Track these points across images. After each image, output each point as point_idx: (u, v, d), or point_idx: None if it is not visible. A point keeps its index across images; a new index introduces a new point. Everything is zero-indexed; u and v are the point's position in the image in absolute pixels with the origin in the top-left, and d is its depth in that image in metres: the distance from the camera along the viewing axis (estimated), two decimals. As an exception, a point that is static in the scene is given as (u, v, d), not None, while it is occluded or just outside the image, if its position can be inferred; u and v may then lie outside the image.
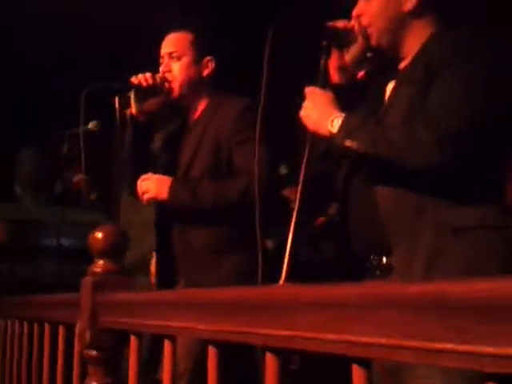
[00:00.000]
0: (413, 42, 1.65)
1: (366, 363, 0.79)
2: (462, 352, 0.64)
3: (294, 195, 3.62)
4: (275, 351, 0.93)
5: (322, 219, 3.70)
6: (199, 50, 2.37)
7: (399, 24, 1.66)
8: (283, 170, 3.27)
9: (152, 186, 2.28)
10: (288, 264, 1.49)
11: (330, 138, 1.57)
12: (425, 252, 1.49)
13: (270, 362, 0.94)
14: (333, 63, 1.76)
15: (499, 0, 3.93)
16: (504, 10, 3.88)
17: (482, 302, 0.62)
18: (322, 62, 1.74)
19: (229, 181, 2.26)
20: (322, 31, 1.74)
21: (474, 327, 0.62)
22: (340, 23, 1.74)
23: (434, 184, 1.51)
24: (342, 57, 1.76)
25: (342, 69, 1.76)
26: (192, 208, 2.25)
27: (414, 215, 1.53)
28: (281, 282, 1.48)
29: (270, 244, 2.91)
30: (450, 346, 0.65)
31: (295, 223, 1.55)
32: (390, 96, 1.67)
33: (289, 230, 1.61)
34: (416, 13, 1.65)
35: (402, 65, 1.69)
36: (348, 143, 1.52)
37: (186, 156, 2.35)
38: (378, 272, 1.60)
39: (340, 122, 1.56)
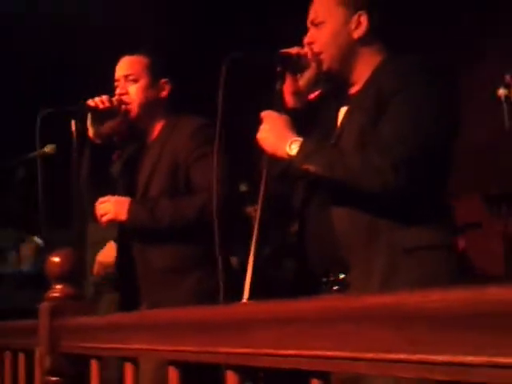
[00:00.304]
0: (363, 69, 1.72)
1: (325, 377, 0.80)
2: (415, 361, 0.65)
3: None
4: (236, 369, 0.94)
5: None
6: (155, 73, 2.38)
7: (349, 51, 1.73)
8: (243, 188, 3.28)
9: (111, 207, 2.27)
10: (250, 282, 1.50)
11: (288, 160, 1.61)
12: (379, 272, 1.55)
13: (231, 380, 0.94)
14: (287, 88, 1.81)
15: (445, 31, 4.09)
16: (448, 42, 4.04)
17: (435, 312, 0.64)
18: (277, 87, 1.79)
19: (186, 198, 2.26)
20: (276, 58, 1.79)
21: (426, 337, 0.64)
22: (293, 50, 1.80)
23: (386, 206, 1.57)
24: (295, 82, 1.81)
25: (296, 93, 1.81)
26: (151, 227, 2.25)
27: (367, 236, 1.59)
28: (244, 299, 1.48)
29: (234, 261, 2.91)
30: (403, 355, 0.67)
31: (256, 241, 1.57)
32: (342, 121, 1.73)
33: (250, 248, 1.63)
34: (365, 40, 1.72)
35: (353, 90, 1.75)
36: (306, 166, 1.57)
37: (144, 177, 2.35)
38: (335, 287, 1.64)
39: (298, 145, 1.61)
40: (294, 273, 1.81)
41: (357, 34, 1.72)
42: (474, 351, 0.60)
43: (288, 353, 0.80)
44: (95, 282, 2.86)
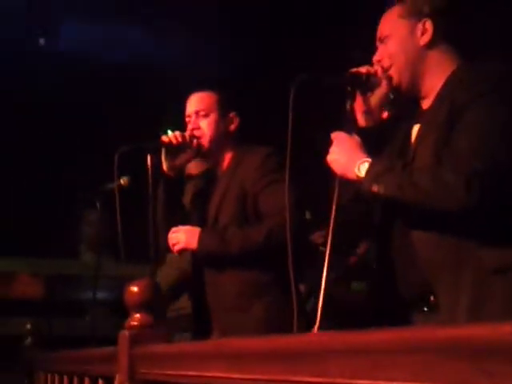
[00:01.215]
0: (434, 79, 1.67)
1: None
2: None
3: (322, 239, 3.62)
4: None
5: (354, 259, 3.70)
6: (224, 107, 2.47)
7: (418, 59, 1.69)
8: (307, 216, 3.30)
9: (182, 237, 2.36)
10: (321, 309, 1.50)
11: (358, 182, 1.59)
12: (468, 294, 1.50)
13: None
14: (358, 108, 1.79)
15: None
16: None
17: (509, 344, 0.64)
18: (348, 106, 1.77)
19: (255, 225, 2.32)
20: (346, 78, 1.78)
21: (502, 369, 0.64)
22: (363, 69, 1.78)
23: (469, 226, 1.51)
24: (366, 101, 1.79)
25: (367, 113, 1.79)
26: (221, 255, 2.32)
27: (453, 258, 1.53)
28: (315, 327, 1.49)
29: (301, 288, 2.93)
30: (481, 388, 0.67)
31: (328, 266, 1.57)
32: (415, 140, 1.68)
33: (321, 274, 1.63)
34: (433, 46, 1.69)
35: (426, 105, 1.71)
36: (375, 188, 1.55)
37: (214, 207, 2.42)
38: (425, 308, 1.59)
39: (367, 166, 1.59)
40: (375, 297, 1.78)
41: (423, 41, 1.68)
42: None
43: (362, 383, 0.81)
44: (166, 319, 2.92)
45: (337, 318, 1.50)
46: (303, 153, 1.78)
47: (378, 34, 1.77)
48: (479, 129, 1.51)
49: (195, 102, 2.50)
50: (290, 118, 1.69)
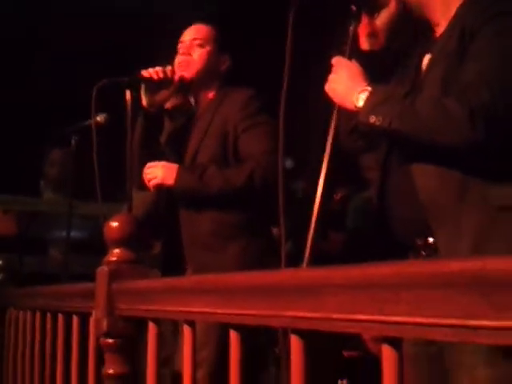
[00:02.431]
0: (448, 4, 1.53)
1: (397, 343, 0.79)
2: (500, 328, 0.64)
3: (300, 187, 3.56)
4: (301, 333, 0.93)
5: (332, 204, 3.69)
6: (220, 44, 2.42)
7: None
8: (288, 163, 3.28)
9: (159, 172, 2.32)
10: (310, 247, 1.46)
11: (356, 113, 1.47)
12: (471, 232, 1.40)
13: (296, 345, 0.94)
14: (362, 30, 1.64)
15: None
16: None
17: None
18: (351, 28, 1.60)
19: (234, 166, 2.29)
20: None
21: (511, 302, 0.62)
22: None
23: (475, 160, 1.40)
24: (372, 23, 1.63)
25: (372, 36, 1.64)
26: (198, 193, 2.29)
27: (457, 194, 1.42)
28: (304, 264, 1.46)
29: (275, 231, 2.93)
30: (486, 322, 0.65)
31: (319, 206, 1.49)
32: (425, 71, 1.55)
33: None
34: None
35: (438, 33, 1.57)
36: (372, 119, 1.41)
37: (193, 145, 2.38)
38: (423, 252, 1.50)
39: (366, 95, 1.45)
40: (374, 238, 1.67)
41: None
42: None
43: (360, 318, 0.79)
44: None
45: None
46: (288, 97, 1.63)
47: None
48: (490, 54, 1.38)
49: (193, 31, 2.45)
50: (289, 41, 1.55)
